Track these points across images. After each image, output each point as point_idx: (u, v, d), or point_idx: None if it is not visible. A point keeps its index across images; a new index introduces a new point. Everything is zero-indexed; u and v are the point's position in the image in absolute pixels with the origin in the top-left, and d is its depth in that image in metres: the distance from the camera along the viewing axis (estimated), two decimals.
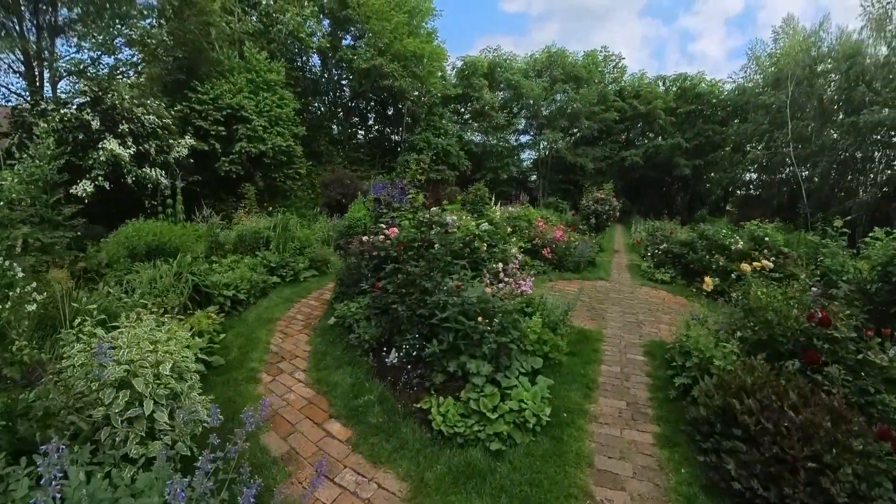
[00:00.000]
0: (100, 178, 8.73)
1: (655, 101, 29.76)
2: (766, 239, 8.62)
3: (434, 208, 7.13)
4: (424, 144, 21.98)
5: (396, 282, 5.04)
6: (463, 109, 29.56)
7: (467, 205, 11.15)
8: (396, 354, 4.72)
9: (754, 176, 28.10)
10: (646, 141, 32.32)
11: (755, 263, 4.97)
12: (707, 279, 4.97)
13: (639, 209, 29.87)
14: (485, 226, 6.87)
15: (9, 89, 10.68)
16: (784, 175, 24.69)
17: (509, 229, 9.69)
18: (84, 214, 8.75)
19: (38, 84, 10.74)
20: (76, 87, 10.24)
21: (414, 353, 4.55)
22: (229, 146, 12.64)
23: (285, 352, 5.61)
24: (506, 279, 5.56)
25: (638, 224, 20.46)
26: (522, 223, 10.11)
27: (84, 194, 8.48)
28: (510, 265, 6.05)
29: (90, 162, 8.59)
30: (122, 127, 9.10)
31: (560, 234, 9.98)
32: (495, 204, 14.58)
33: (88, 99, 9.19)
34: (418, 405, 3.99)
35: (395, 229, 6.35)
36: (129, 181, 9.15)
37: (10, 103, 10.47)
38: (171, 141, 10.32)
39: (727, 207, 30.48)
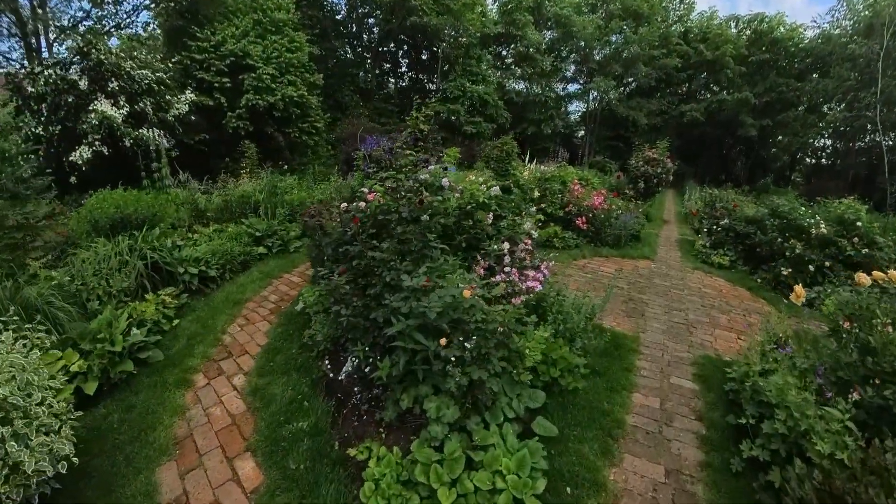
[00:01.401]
0: (97, 142, 7.90)
1: (724, 47, 25.50)
2: (859, 224, 6.52)
3: (433, 167, 5.67)
4: (459, 93, 19.86)
5: (354, 270, 3.76)
6: (504, 52, 26.73)
7: (491, 162, 9.52)
8: (347, 367, 3.52)
9: (828, 142, 23.90)
10: (709, 95, 28.17)
11: (877, 274, 3.22)
12: (798, 289, 3.29)
13: (694, 173, 26.53)
14: (495, 190, 5.36)
15: (5, 57, 9.97)
16: (864, 143, 20.66)
17: (536, 193, 8.06)
18: (85, 182, 8.06)
19: (35, 46, 9.90)
20: (66, 45, 9.30)
21: (367, 369, 3.34)
22: (237, 99, 11.48)
23: (236, 346, 4.66)
24: (507, 268, 4.11)
25: (692, 190, 17.78)
26: (555, 186, 8.40)
27: (81, 161, 7.70)
28: (520, 246, 4.57)
29: (84, 126, 7.73)
30: (111, 85, 8.12)
31: (599, 202, 8.21)
32: (531, 161, 12.74)
33: (77, 57, 8.24)
34: (353, 453, 2.80)
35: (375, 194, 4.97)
36: (128, 144, 8.25)
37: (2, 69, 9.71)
38: (168, 97, 9.27)
39: (793, 177, 26.45)
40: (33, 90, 7.50)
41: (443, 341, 2.72)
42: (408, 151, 5.72)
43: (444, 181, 5.11)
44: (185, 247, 5.96)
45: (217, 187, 7.92)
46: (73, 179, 8.07)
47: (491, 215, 4.93)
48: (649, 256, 7.93)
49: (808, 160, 26.10)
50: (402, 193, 4.30)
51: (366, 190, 5.02)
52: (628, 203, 9.64)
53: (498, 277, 3.91)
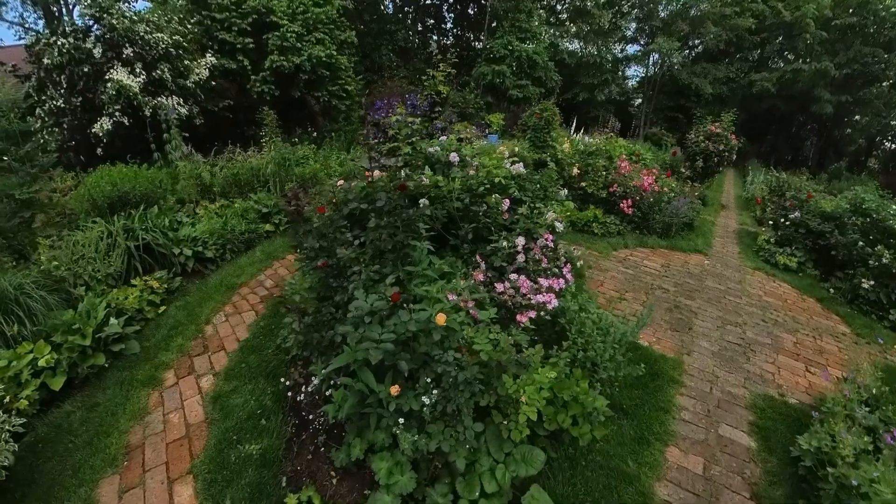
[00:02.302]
0: (117, 113, 7.62)
1: (806, 7, 21.79)
2: None
3: (444, 137, 4.86)
4: (506, 52, 18.18)
5: (327, 270, 3.13)
6: (559, 6, 24.41)
7: (528, 132, 8.46)
8: (314, 383, 2.97)
9: None
10: (782, 63, 24.53)
11: None
12: None
13: (758, 151, 23.57)
14: (518, 167, 4.50)
15: (24, 26, 9.78)
16: None
17: (575, 170, 7.02)
18: (112, 154, 7.90)
19: (56, 13, 9.63)
20: (78, 10, 8.93)
21: (328, 393, 2.77)
22: (262, 61, 10.89)
23: (215, 339, 4.30)
24: (513, 274, 3.32)
25: (756, 172, 15.61)
26: (599, 162, 7.29)
27: (102, 133, 7.48)
28: (538, 243, 3.74)
29: (103, 97, 7.45)
30: (126, 52, 7.73)
31: (649, 182, 7.04)
32: (577, 131, 11.44)
33: (92, 22, 7.87)
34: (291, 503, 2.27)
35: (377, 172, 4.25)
36: (147, 114, 7.93)
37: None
38: (187, 62, 8.81)
39: (869, 163, 22.79)
40: (49, 62, 7.23)
41: (394, 389, 2.04)
42: (410, 119, 4.88)
43: (453, 156, 4.30)
44: (183, 226, 5.57)
45: (225, 159, 7.42)
46: (98, 151, 7.88)
47: (507, 202, 4.09)
48: (703, 250, 6.76)
49: (888, 145, 22.40)
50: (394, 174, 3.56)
51: (366, 166, 4.32)
52: (683, 185, 8.31)
53: (500, 287, 3.13)
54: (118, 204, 5.19)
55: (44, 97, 7.53)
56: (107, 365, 3.95)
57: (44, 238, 4.93)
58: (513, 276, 3.17)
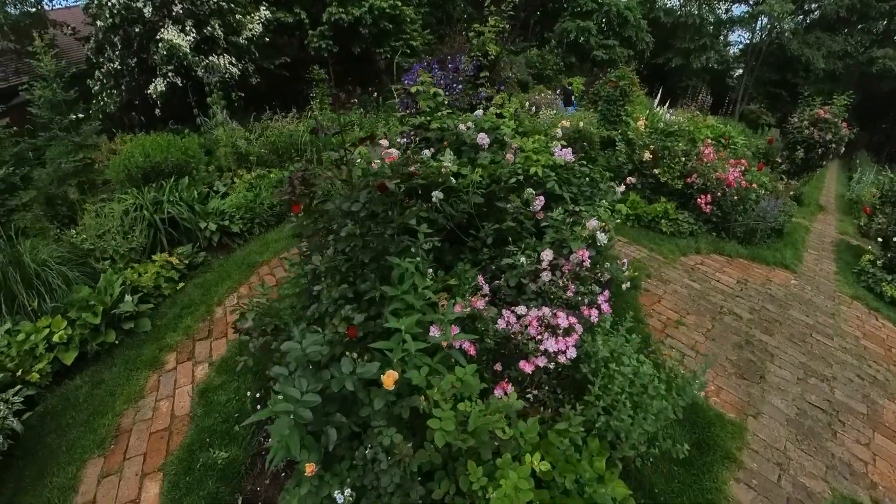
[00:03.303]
0: (170, 74, 7.61)
1: None
2: None
3: (480, 112, 4.17)
4: (594, 5, 16.18)
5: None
6: None
7: (599, 102, 7.32)
8: None
9: None
10: None
11: None
12: None
13: (869, 141, 19.38)
14: (563, 154, 3.75)
15: None
16: None
17: (647, 155, 5.94)
18: (169, 116, 8.01)
19: None
20: None
21: None
22: (321, 14, 10.38)
23: (222, 323, 4.20)
24: (521, 308, 2.67)
25: (865, 168, 12.68)
26: (678, 146, 6.09)
27: (156, 94, 7.54)
28: (572, 259, 3.03)
29: (155, 58, 7.43)
30: (176, 8, 7.55)
31: (736, 176, 5.75)
32: (661, 104, 9.86)
33: None
34: None
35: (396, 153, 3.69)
36: (200, 74, 7.83)
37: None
38: (239, 17, 8.52)
39: None
40: (102, 23, 7.26)
41: (309, 469, 1.64)
42: (434, 89, 4.18)
43: (482, 137, 3.61)
44: (213, 198, 5.43)
45: (262, 126, 7.13)
46: (157, 112, 7.99)
47: (540, 199, 3.38)
48: (791, 265, 5.46)
49: None
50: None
51: (385, 144, 3.78)
52: (777, 180, 6.76)
53: (501, 322, 2.52)
54: (151, 174, 5.14)
55: (102, 59, 7.65)
56: (117, 342, 4.01)
57: (91, 204, 5.01)
58: (521, 310, 2.52)
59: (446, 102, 5.02)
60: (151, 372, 3.69)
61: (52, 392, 3.59)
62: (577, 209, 3.29)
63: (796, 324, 4.31)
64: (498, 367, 2.65)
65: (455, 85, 5.05)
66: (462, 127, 4.01)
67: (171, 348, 3.89)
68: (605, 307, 2.82)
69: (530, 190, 3.47)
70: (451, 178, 3.45)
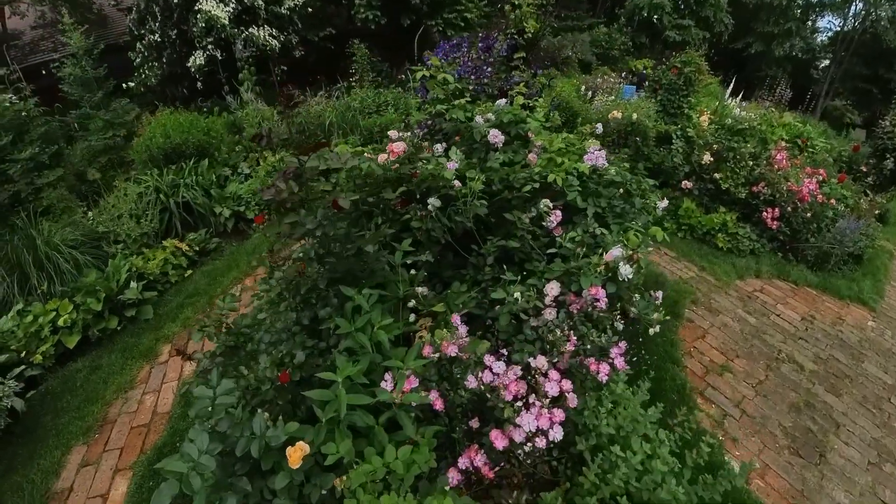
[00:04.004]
0: (209, 46, 7.47)
1: None
2: None
3: (503, 101, 3.58)
4: None
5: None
6: None
7: (659, 91, 6.33)
8: None
9: None
10: None
11: None
12: None
13: None
14: (598, 157, 3.11)
15: None
16: None
17: (707, 157, 5.02)
18: (210, 91, 7.92)
19: None
20: None
21: None
22: None
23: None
24: (498, 364, 2.15)
25: None
26: (745, 147, 5.09)
27: (194, 68, 7.46)
28: (584, 297, 2.45)
29: (194, 30, 7.30)
30: None
31: (811, 188, 4.69)
32: (734, 95, 8.49)
33: None
34: None
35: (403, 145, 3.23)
36: (240, 46, 7.65)
37: None
38: None
39: None
40: None
41: None
42: (443, 75, 3.62)
43: (494, 135, 3.04)
44: (231, 182, 5.25)
45: (289, 105, 6.80)
46: (198, 85, 7.93)
47: (556, 215, 2.79)
48: (869, 301, 4.41)
49: None
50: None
51: (394, 134, 3.34)
52: (859, 196, 5.50)
53: (472, 381, 2.03)
54: (172, 155, 5.02)
55: (143, 31, 7.57)
56: (119, 328, 4.01)
57: (120, 182, 4.99)
58: (498, 366, 2.01)
59: (470, 88, 4.42)
60: (145, 362, 3.68)
61: (55, 374, 3.69)
62: (598, 231, 2.64)
63: (871, 382, 3.46)
64: (475, 423, 2.17)
65: (484, 67, 4.40)
66: (479, 119, 3.45)
67: (168, 339, 3.85)
68: (620, 362, 2.26)
69: (546, 202, 2.90)
70: (457, 182, 2.92)
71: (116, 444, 3.03)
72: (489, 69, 4.40)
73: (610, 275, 2.50)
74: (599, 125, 4.02)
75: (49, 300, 3.76)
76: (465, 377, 2.11)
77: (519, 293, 2.35)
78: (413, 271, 3.03)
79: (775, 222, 4.69)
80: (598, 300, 2.36)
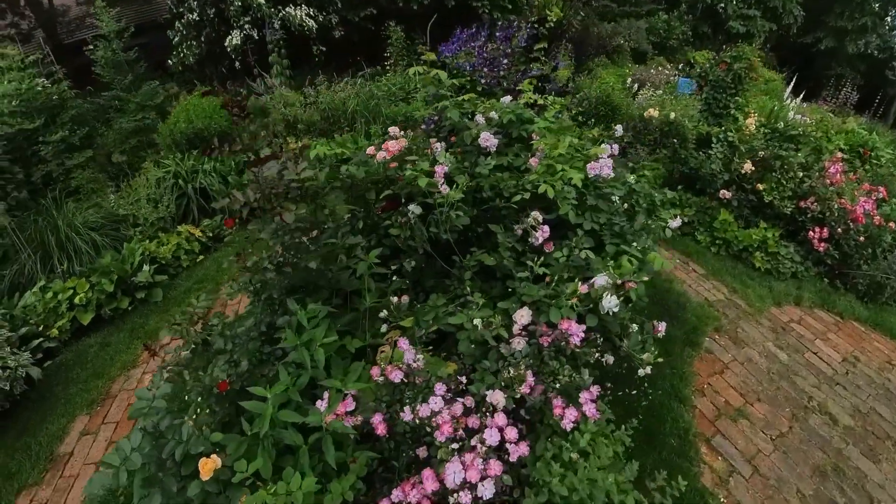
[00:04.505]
0: (246, 26, 7.47)
1: None
2: None
3: (507, 98, 3.30)
4: None
5: None
6: None
7: (705, 88, 5.69)
8: None
9: None
10: None
11: None
12: None
13: None
14: (603, 166, 2.76)
15: None
16: None
17: (748, 165, 4.43)
18: (248, 71, 7.95)
19: None
20: None
21: None
22: None
23: (219, 303, 4.16)
24: (485, 377, 1.94)
25: None
26: (795, 157, 4.42)
27: (230, 48, 7.50)
28: (559, 330, 2.15)
29: (231, 9, 7.31)
30: None
31: (866, 208, 3.96)
32: (796, 95, 7.48)
33: None
34: None
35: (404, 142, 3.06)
36: (276, 26, 7.61)
37: None
38: None
39: None
40: None
41: None
42: (435, 71, 3.33)
43: (485, 138, 2.78)
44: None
45: (316, 90, 6.63)
46: (236, 65, 7.92)
47: (543, 231, 2.52)
48: None
49: None
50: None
51: (395, 130, 3.17)
52: None
53: (406, 414, 1.85)
54: (195, 140, 5.08)
55: (182, 9, 7.59)
56: (130, 309, 4.16)
57: (150, 161, 5.16)
58: (435, 402, 1.81)
59: (483, 81, 4.10)
60: (138, 355, 3.75)
61: (69, 347, 3.92)
62: (584, 254, 2.32)
63: None
64: (423, 451, 1.99)
65: (501, 59, 4.04)
66: (479, 118, 3.18)
67: (166, 324, 3.90)
68: (590, 409, 1.97)
69: (535, 214, 2.60)
70: (445, 188, 2.69)
71: (114, 417, 3.21)
72: (505, 61, 4.03)
73: (591, 305, 2.19)
74: (619, 127, 3.60)
75: (68, 279, 3.95)
76: (416, 403, 1.93)
77: (480, 320, 2.11)
78: (395, 278, 2.89)
79: (823, 244, 4.07)
80: (572, 337, 2.06)
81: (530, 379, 1.91)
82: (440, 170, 2.80)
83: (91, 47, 5.13)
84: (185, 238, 4.58)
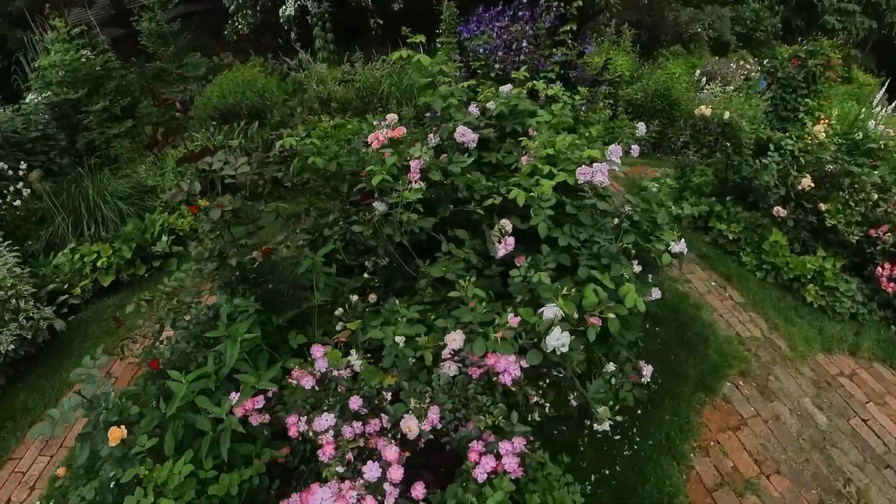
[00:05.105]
0: None
1: None
2: None
3: (507, 87, 3.02)
4: None
5: None
6: None
7: (772, 86, 4.89)
8: None
9: None
10: None
11: None
12: None
13: None
14: (597, 172, 2.42)
15: None
16: None
17: (807, 182, 3.74)
18: (304, 43, 8.01)
19: None
20: None
21: None
22: None
23: None
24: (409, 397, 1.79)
25: None
26: (871, 174, 3.60)
27: (283, 18, 7.63)
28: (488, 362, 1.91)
29: None
30: None
31: None
32: (886, 104, 6.18)
33: None
34: None
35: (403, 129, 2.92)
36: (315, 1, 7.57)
37: None
38: None
39: None
40: None
41: None
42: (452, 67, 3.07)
43: (462, 132, 2.53)
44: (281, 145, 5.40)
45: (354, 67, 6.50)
46: (292, 35, 7.92)
47: (508, 243, 2.27)
48: None
49: None
50: None
51: (392, 118, 3.02)
52: None
53: (293, 429, 1.73)
54: (228, 115, 5.24)
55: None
56: (146, 276, 4.35)
57: (197, 130, 5.44)
58: (325, 419, 1.70)
59: (496, 66, 3.76)
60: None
61: (90, 305, 4.29)
62: (538, 276, 2.00)
63: None
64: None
65: (520, 42, 3.65)
66: (473, 109, 2.93)
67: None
68: (511, 463, 1.69)
69: (505, 222, 2.34)
70: (418, 184, 2.52)
71: (116, 372, 3.53)
72: (525, 43, 3.63)
73: (536, 340, 1.89)
74: (641, 125, 3.13)
75: (95, 243, 4.28)
76: (318, 413, 1.81)
77: (402, 337, 1.91)
78: (366, 275, 2.82)
79: (893, 284, 3.29)
80: (500, 371, 1.79)
81: (433, 415, 1.69)
82: (415, 164, 2.60)
83: (136, 18, 5.47)
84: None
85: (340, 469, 1.63)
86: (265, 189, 3.28)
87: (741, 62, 7.70)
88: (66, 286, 4.09)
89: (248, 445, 1.98)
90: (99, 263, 4.21)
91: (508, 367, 1.80)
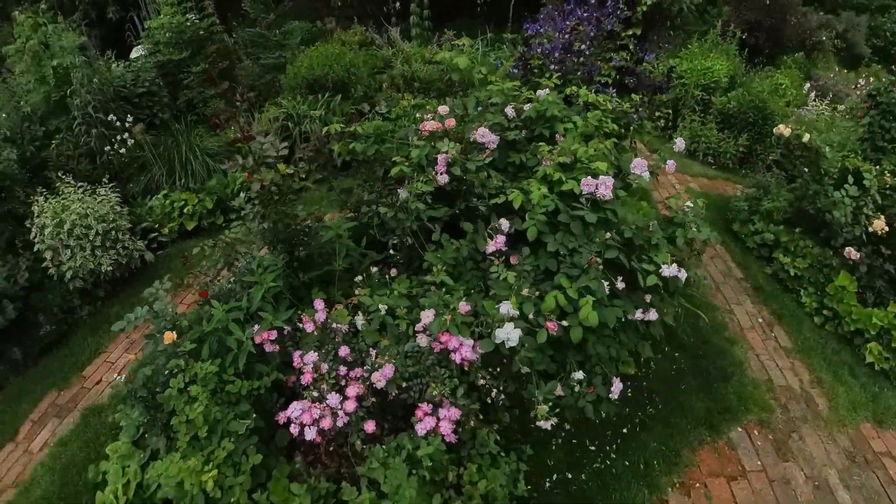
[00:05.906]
0: None
1: None
2: None
3: (542, 91, 3.47)
4: None
5: None
6: None
7: (871, 112, 4.58)
8: None
9: None
10: None
11: None
12: None
13: None
14: (603, 186, 2.80)
15: None
16: None
17: (880, 224, 3.63)
18: (406, 12, 8.48)
19: None
20: None
21: None
22: None
23: None
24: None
25: None
26: None
27: None
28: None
29: None
30: None
31: None
32: None
33: None
34: None
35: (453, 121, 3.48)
36: None
37: None
38: None
39: None
40: None
41: None
42: (454, 55, 3.51)
43: (482, 134, 3.03)
44: (363, 120, 6.13)
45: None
46: (397, 5, 8.14)
47: (498, 241, 2.75)
48: None
49: None
50: None
51: (443, 110, 3.44)
52: None
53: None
54: (315, 86, 6.04)
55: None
56: (223, 225, 5.37)
57: (271, 102, 6.43)
58: (308, 358, 2.28)
59: (552, 68, 3.96)
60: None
61: (175, 245, 5.36)
62: (504, 275, 2.42)
63: None
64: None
65: (581, 44, 3.85)
66: (509, 111, 3.40)
67: None
68: (445, 427, 2.23)
69: (502, 221, 2.79)
70: (443, 177, 3.05)
71: (189, 300, 4.42)
72: (584, 46, 3.83)
73: (489, 331, 2.31)
74: (680, 141, 3.29)
75: (184, 192, 5.38)
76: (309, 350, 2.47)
77: (385, 307, 2.47)
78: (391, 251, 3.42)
79: None
80: (451, 351, 2.26)
81: (387, 370, 2.23)
82: (442, 158, 3.13)
83: None
84: (282, 175, 5.76)
85: (315, 394, 2.27)
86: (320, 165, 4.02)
87: (871, 79, 7.04)
88: (156, 225, 5.26)
89: (262, 366, 2.72)
90: (185, 210, 5.35)
91: (459, 348, 2.26)
